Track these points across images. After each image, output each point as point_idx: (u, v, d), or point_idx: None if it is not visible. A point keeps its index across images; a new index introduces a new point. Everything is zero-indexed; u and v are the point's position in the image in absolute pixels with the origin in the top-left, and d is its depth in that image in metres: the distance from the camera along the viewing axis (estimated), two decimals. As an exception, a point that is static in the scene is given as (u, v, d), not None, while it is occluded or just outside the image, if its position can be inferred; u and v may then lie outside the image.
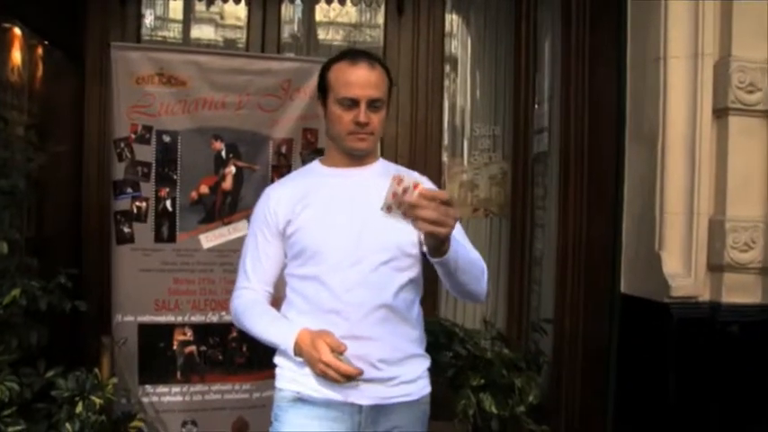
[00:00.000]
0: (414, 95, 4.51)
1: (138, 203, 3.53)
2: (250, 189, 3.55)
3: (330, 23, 5.03)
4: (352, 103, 2.04)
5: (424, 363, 2.17)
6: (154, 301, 3.56)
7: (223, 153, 3.60)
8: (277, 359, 2.16)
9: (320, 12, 4.82)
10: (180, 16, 4.89)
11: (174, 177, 3.55)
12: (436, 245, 1.78)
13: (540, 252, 4.19)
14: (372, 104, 2.04)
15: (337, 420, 2.04)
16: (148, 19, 4.59)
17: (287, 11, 4.70)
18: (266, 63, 3.61)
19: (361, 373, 1.92)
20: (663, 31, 3.12)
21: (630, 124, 3.32)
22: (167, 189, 3.55)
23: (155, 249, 3.55)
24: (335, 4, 4.67)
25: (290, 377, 2.09)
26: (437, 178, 4.51)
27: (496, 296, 4.49)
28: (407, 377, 2.09)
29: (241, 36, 4.64)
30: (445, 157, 4.62)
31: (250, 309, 2.15)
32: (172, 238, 3.57)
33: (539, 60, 4.30)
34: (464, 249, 1.96)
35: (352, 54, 2.12)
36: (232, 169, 3.60)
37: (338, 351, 1.91)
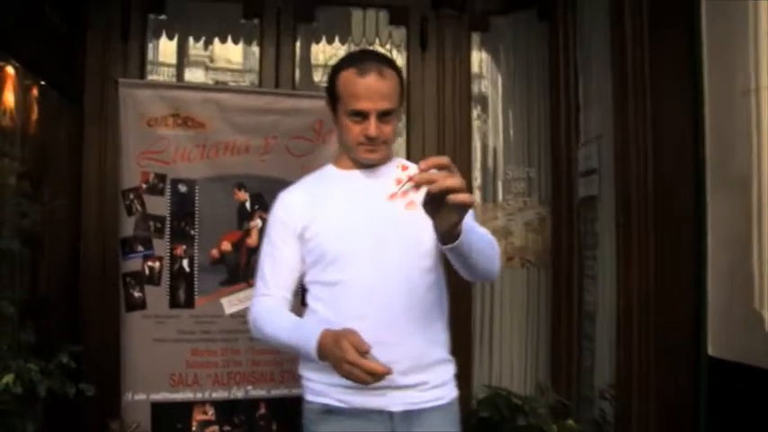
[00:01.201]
0: (440, 136, 3.96)
1: (150, 263, 2.95)
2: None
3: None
4: (362, 116, 1.93)
5: (452, 367, 2.06)
6: (169, 376, 2.96)
7: (247, 204, 3.05)
8: (302, 370, 2.04)
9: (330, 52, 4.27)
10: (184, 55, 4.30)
11: (192, 233, 2.99)
12: (449, 227, 1.57)
13: (593, 306, 3.61)
14: (383, 116, 1.93)
15: (369, 429, 1.94)
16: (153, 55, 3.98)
17: (301, 52, 4.14)
18: (296, 101, 3.05)
19: (389, 371, 1.73)
20: (752, 59, 2.58)
21: (713, 166, 2.77)
22: (184, 247, 2.99)
23: (170, 316, 2.97)
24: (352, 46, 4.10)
25: (317, 389, 1.98)
26: (468, 225, 3.94)
27: (537, 352, 3.92)
28: (437, 381, 1.99)
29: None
30: (477, 200, 4.05)
31: (269, 316, 2.00)
32: (189, 304, 2.99)
33: (579, 95, 3.76)
34: (475, 229, 1.79)
35: (360, 59, 1.98)
36: (258, 223, 3.04)
37: (362, 350, 1.72)
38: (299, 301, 2.11)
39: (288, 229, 2.02)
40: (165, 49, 4.12)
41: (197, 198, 2.97)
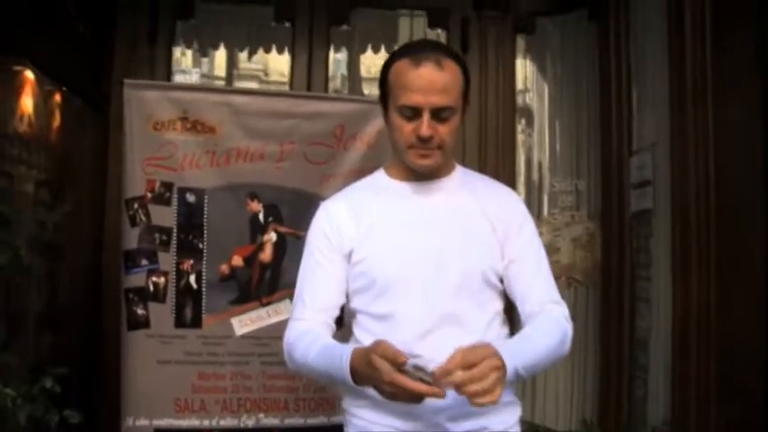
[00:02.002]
0: (482, 145, 3.59)
1: (154, 279, 2.65)
2: (294, 261, 2.56)
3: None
4: (414, 113, 1.60)
5: (516, 409, 1.73)
6: (174, 401, 2.64)
7: (261, 216, 2.72)
8: (345, 404, 1.73)
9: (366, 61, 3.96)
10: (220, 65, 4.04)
11: (200, 246, 2.67)
12: None
13: (646, 331, 3.17)
14: (439, 113, 1.59)
15: None
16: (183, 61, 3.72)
17: (334, 62, 3.83)
18: (315, 104, 2.71)
19: (440, 393, 1.38)
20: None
21: (785, 176, 2.34)
22: (191, 261, 2.67)
23: (175, 336, 2.65)
24: (383, 53, 3.78)
25: (361, 426, 1.67)
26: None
27: (584, 383, 3.48)
28: (497, 426, 1.65)
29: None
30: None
31: (302, 340, 1.65)
32: (197, 323, 2.67)
33: (632, 101, 3.34)
34: (525, 353, 1.52)
35: (416, 49, 1.66)
36: (272, 236, 2.72)
37: (398, 363, 1.39)
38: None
39: (333, 243, 1.70)
40: (194, 55, 3.84)
41: (206, 208, 2.65)
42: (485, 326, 1.64)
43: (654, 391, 3.07)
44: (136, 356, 2.60)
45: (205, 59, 4.78)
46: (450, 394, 1.49)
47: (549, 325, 1.65)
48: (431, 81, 1.58)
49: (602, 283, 3.44)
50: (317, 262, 1.71)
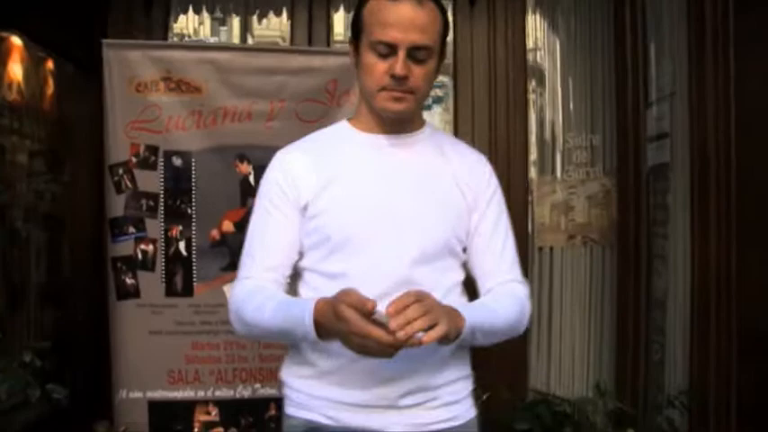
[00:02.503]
0: (492, 102, 3.39)
1: (143, 247, 2.53)
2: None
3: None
4: (389, 50, 1.45)
5: (469, 383, 1.61)
6: (167, 373, 2.53)
7: (251, 178, 2.55)
8: (285, 375, 1.58)
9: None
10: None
11: (189, 212, 2.54)
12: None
13: (663, 292, 2.96)
14: (415, 53, 1.46)
15: None
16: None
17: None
18: (305, 59, 2.54)
19: (414, 342, 1.27)
20: None
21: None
22: (180, 227, 2.54)
23: (166, 305, 2.53)
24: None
25: (301, 401, 1.53)
26: (523, 199, 3.38)
27: (600, 347, 3.28)
28: (449, 398, 1.54)
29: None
30: (533, 174, 3.45)
31: (251, 300, 1.48)
32: (188, 291, 2.54)
33: (649, 51, 3.09)
34: (482, 316, 1.46)
35: None
36: (263, 199, 2.51)
37: (367, 311, 1.26)
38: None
39: (287, 196, 1.53)
40: (192, 18, 3.66)
41: (194, 172, 2.52)
42: (442, 295, 1.48)
43: (671, 355, 2.87)
44: (126, 327, 2.50)
45: (224, 28, 4.58)
46: (405, 367, 1.43)
47: (509, 299, 1.55)
48: (410, 17, 1.44)
49: (619, 242, 3.23)
50: (270, 215, 1.55)
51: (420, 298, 1.30)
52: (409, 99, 1.48)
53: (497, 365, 3.09)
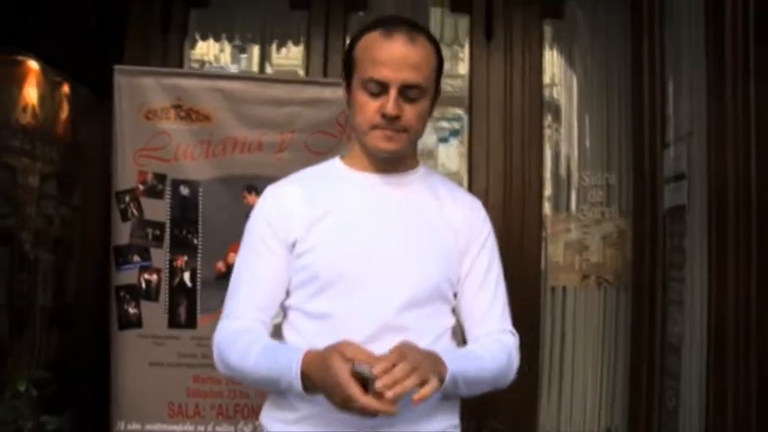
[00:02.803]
0: (507, 136, 3.30)
1: (147, 276, 2.46)
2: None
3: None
4: (380, 88, 1.41)
5: (455, 413, 1.52)
6: (167, 406, 2.45)
7: (259, 210, 2.45)
8: (263, 418, 1.50)
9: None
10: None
11: (195, 242, 2.48)
12: None
13: (678, 337, 2.86)
14: (407, 92, 1.41)
15: None
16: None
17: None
18: (316, 90, 2.49)
19: (393, 412, 1.22)
20: None
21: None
22: (185, 258, 2.48)
23: (169, 337, 2.46)
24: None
25: None
26: (537, 236, 3.28)
27: (613, 390, 3.19)
28: (432, 427, 1.44)
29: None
30: (547, 210, 3.36)
31: (235, 341, 1.42)
32: (191, 323, 2.47)
33: (667, 88, 3.03)
34: (466, 365, 1.41)
35: (388, 21, 1.47)
36: (272, 232, 2.46)
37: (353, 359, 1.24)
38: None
39: (276, 234, 1.47)
40: (211, 45, 3.65)
41: (201, 202, 2.46)
42: (431, 340, 1.44)
43: (686, 403, 2.77)
44: (127, 357, 2.43)
45: (243, 56, 4.57)
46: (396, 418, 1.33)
47: (497, 348, 1.49)
48: (402, 55, 1.40)
49: (633, 285, 3.15)
50: (258, 253, 1.49)
51: (404, 353, 1.25)
52: (401, 138, 1.44)
53: (507, 407, 3.00)
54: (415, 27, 1.46)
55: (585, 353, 3.25)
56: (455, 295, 1.53)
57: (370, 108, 1.42)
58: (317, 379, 1.27)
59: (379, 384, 1.19)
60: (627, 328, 3.18)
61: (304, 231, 1.46)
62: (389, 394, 1.18)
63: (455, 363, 1.35)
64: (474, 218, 1.54)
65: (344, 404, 1.23)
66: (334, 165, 1.57)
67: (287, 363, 1.31)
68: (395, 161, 1.51)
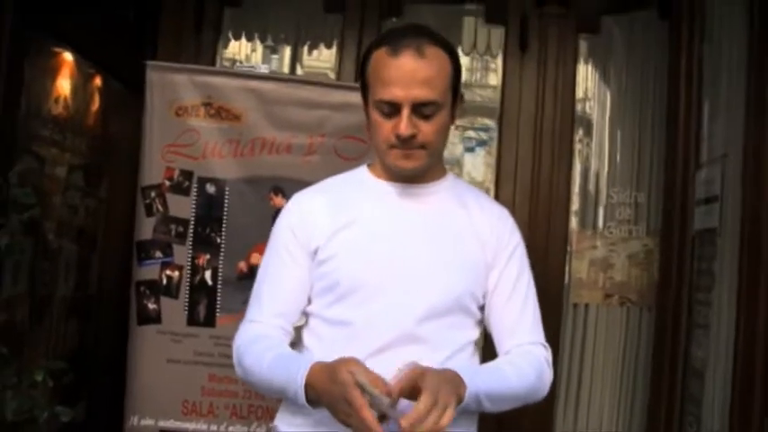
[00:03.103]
0: (536, 149, 3.27)
1: (168, 272, 2.45)
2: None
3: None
4: (393, 108, 1.38)
5: None
6: (182, 403, 2.43)
7: (284, 212, 2.43)
8: (278, 422, 1.52)
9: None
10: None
11: (218, 241, 2.46)
12: None
13: (701, 361, 2.80)
14: (421, 109, 1.37)
15: None
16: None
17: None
18: (348, 95, 2.46)
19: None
20: None
21: None
22: (207, 256, 2.46)
23: (187, 334, 2.44)
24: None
25: None
26: (561, 251, 3.24)
27: (631, 412, 3.14)
28: None
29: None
30: (574, 225, 3.32)
31: (253, 345, 1.43)
32: (210, 322, 2.45)
33: (704, 109, 2.97)
34: (488, 381, 1.35)
35: (396, 35, 1.42)
36: (297, 234, 2.45)
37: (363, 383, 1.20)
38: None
39: (301, 240, 1.48)
40: (244, 44, 3.65)
41: (226, 201, 2.44)
42: (451, 353, 1.42)
43: (707, 430, 2.70)
44: (144, 353, 2.42)
45: (275, 56, 4.59)
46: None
47: (526, 361, 1.44)
48: (411, 72, 1.36)
49: (658, 306, 3.08)
50: (281, 259, 1.50)
51: (423, 376, 1.21)
52: (420, 155, 1.42)
53: (523, 426, 2.95)
54: (424, 35, 1.42)
55: (605, 372, 3.19)
56: (481, 309, 1.51)
57: (385, 129, 1.40)
58: (323, 391, 1.26)
59: (404, 424, 1.16)
60: (648, 349, 3.10)
61: (326, 239, 1.46)
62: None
63: (477, 379, 1.32)
64: (502, 228, 1.51)
65: (347, 417, 1.22)
66: (361, 173, 1.57)
67: (294, 372, 1.31)
68: (417, 175, 1.48)
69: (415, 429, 1.16)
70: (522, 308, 1.50)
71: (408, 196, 1.49)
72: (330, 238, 1.45)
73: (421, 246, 1.45)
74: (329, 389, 1.24)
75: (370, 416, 1.18)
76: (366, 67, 1.46)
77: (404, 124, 1.36)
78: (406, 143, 1.38)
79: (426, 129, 1.38)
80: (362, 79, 1.48)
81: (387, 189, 1.50)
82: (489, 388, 1.34)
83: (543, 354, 1.48)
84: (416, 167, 1.43)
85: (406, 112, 1.36)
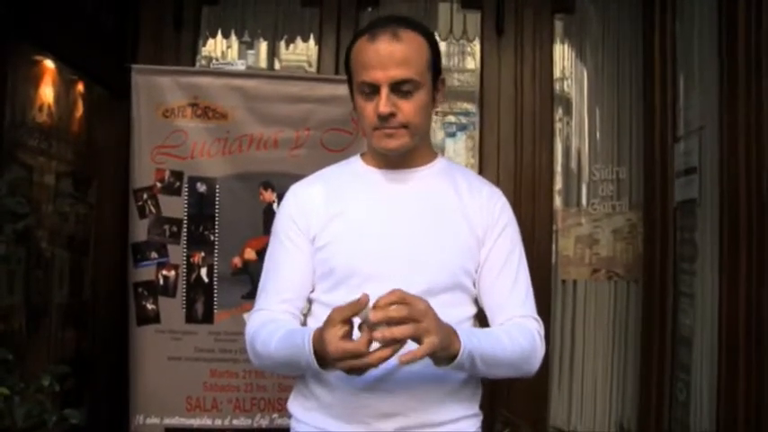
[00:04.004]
0: (518, 131, 3.32)
1: (164, 272, 2.51)
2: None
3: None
4: (373, 90, 1.45)
5: (476, 423, 1.55)
6: (185, 399, 2.49)
7: (275, 206, 2.50)
8: (290, 406, 1.57)
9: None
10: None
11: (212, 238, 2.51)
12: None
13: (688, 329, 2.89)
14: (400, 88, 1.44)
15: None
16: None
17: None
18: (332, 87, 2.51)
19: (382, 355, 1.22)
20: None
21: None
22: (202, 254, 2.52)
23: (186, 332, 2.50)
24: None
25: None
26: (548, 230, 3.30)
27: (624, 382, 3.22)
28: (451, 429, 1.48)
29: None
30: (558, 204, 3.38)
31: (262, 330, 1.47)
32: (208, 318, 2.51)
33: (679, 83, 3.04)
34: (483, 342, 1.39)
35: (375, 24, 1.51)
36: (287, 228, 2.49)
37: (358, 309, 1.24)
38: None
39: (301, 227, 1.54)
40: (220, 41, 3.67)
41: (217, 198, 2.50)
42: None
43: (697, 395, 2.79)
44: (145, 352, 2.47)
45: (251, 51, 4.59)
46: (406, 402, 1.42)
47: (519, 331, 1.47)
48: (387, 53, 1.43)
49: (644, 278, 3.16)
50: (284, 247, 1.55)
51: (410, 301, 1.25)
52: (403, 134, 1.46)
53: (518, 401, 3.03)
54: (401, 21, 1.49)
55: (596, 345, 3.28)
56: (475, 285, 1.55)
57: (368, 111, 1.46)
58: (321, 352, 1.30)
59: (372, 317, 1.20)
60: (637, 320, 3.19)
61: (322, 227, 1.51)
62: (377, 335, 1.20)
63: (473, 338, 1.36)
64: (491, 206, 1.55)
65: (342, 364, 1.25)
66: (354, 162, 1.62)
67: (301, 341, 1.35)
68: (408, 156, 1.53)
69: (378, 333, 1.20)
70: (514, 282, 1.53)
71: (398, 182, 1.54)
72: (325, 226, 1.51)
73: (412, 228, 1.49)
74: (322, 349, 1.28)
75: (350, 344, 1.23)
76: (349, 57, 1.52)
77: (382, 102, 1.42)
78: (387, 121, 1.44)
79: (406, 107, 1.44)
80: (348, 70, 1.53)
81: (377, 176, 1.55)
82: (483, 348, 1.37)
83: (535, 327, 1.51)
84: (400, 147, 1.47)
85: (384, 91, 1.42)
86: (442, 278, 1.47)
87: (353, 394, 1.41)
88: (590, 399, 3.25)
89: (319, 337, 1.29)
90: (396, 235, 1.49)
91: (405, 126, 1.45)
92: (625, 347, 3.23)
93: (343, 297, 1.40)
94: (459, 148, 7.06)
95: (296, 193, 1.60)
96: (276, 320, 1.49)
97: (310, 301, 1.55)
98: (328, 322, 1.26)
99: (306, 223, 1.53)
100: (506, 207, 1.59)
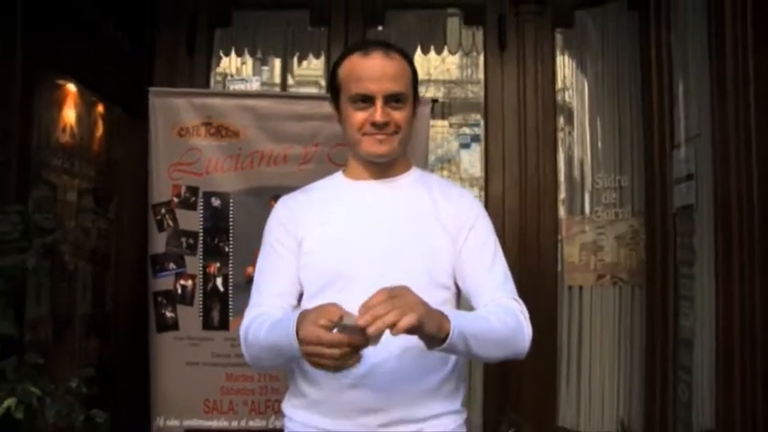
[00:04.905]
0: (522, 142, 3.48)
1: (182, 282, 2.68)
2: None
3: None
4: (367, 101, 1.60)
5: (458, 419, 1.65)
6: (203, 402, 2.66)
7: (285, 218, 2.64)
8: (284, 405, 1.68)
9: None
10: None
11: (226, 250, 2.69)
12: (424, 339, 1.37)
13: (690, 331, 3.00)
14: (392, 100, 1.60)
15: None
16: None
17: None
18: (337, 105, 2.65)
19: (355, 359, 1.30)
20: None
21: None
22: (218, 264, 2.69)
23: (203, 338, 2.68)
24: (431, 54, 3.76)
25: (296, 430, 1.62)
26: (553, 238, 3.45)
27: (629, 384, 3.33)
28: (435, 428, 1.58)
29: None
30: (562, 213, 3.52)
31: (253, 322, 1.57)
32: (224, 325, 2.69)
33: (676, 92, 3.17)
34: (471, 321, 1.46)
35: (364, 44, 1.72)
36: (297, 238, 2.65)
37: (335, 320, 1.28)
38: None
39: (289, 232, 1.68)
40: (234, 59, 3.86)
41: (231, 212, 2.68)
42: None
43: (698, 395, 2.89)
44: (165, 358, 2.64)
45: (266, 68, 4.79)
46: (388, 398, 1.51)
47: (500, 310, 1.55)
48: (381, 69, 1.59)
49: (647, 282, 3.28)
50: (274, 250, 1.68)
51: (394, 294, 1.30)
52: (392, 140, 1.62)
53: (526, 402, 3.16)
54: (389, 46, 1.66)
55: (602, 348, 3.39)
56: (456, 283, 1.65)
57: (358, 118, 1.61)
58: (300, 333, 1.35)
59: (360, 321, 1.25)
60: (641, 324, 3.29)
61: (306, 234, 1.65)
62: (371, 330, 1.24)
63: (461, 319, 1.42)
64: (462, 205, 1.69)
65: (309, 355, 1.30)
66: (336, 177, 1.78)
67: (287, 327, 1.39)
68: (387, 166, 1.68)
69: (372, 327, 1.24)
70: (491, 268, 1.63)
71: (378, 191, 1.68)
72: (308, 234, 1.64)
73: (390, 233, 1.62)
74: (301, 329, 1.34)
75: (321, 331, 1.27)
76: (337, 72, 1.67)
77: (379, 112, 1.58)
78: (380, 128, 1.59)
79: (397, 116, 1.61)
80: (333, 83, 1.69)
81: (357, 186, 1.70)
82: (473, 328, 1.44)
83: (518, 307, 1.58)
84: (388, 151, 1.62)
85: (379, 102, 1.58)
86: (423, 279, 1.55)
87: (338, 391, 1.53)
88: (597, 400, 3.35)
89: (303, 317, 1.36)
90: (376, 240, 1.61)
91: (395, 132, 1.61)
92: (630, 350, 3.33)
93: (328, 300, 1.46)
94: (474, 159, 7.16)
95: (285, 202, 1.75)
96: (266, 314, 1.58)
97: (298, 306, 1.65)
98: (320, 308, 1.33)
99: (294, 227, 1.66)
100: (476, 203, 1.73)
